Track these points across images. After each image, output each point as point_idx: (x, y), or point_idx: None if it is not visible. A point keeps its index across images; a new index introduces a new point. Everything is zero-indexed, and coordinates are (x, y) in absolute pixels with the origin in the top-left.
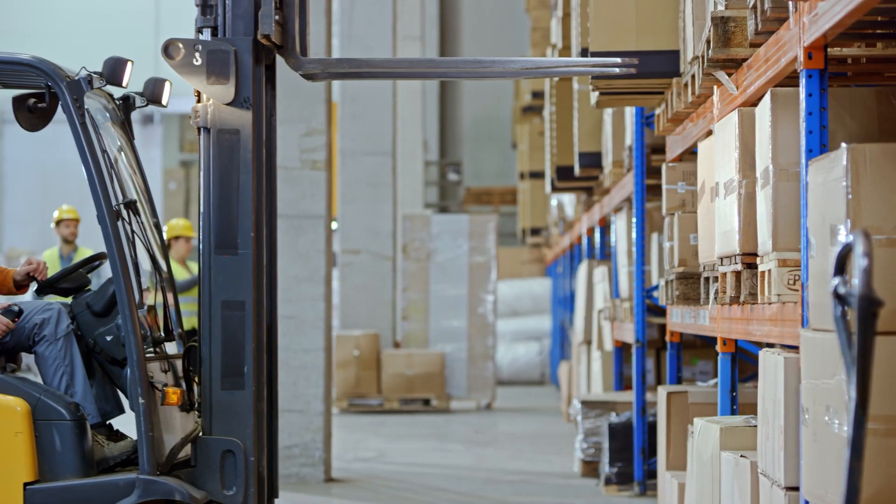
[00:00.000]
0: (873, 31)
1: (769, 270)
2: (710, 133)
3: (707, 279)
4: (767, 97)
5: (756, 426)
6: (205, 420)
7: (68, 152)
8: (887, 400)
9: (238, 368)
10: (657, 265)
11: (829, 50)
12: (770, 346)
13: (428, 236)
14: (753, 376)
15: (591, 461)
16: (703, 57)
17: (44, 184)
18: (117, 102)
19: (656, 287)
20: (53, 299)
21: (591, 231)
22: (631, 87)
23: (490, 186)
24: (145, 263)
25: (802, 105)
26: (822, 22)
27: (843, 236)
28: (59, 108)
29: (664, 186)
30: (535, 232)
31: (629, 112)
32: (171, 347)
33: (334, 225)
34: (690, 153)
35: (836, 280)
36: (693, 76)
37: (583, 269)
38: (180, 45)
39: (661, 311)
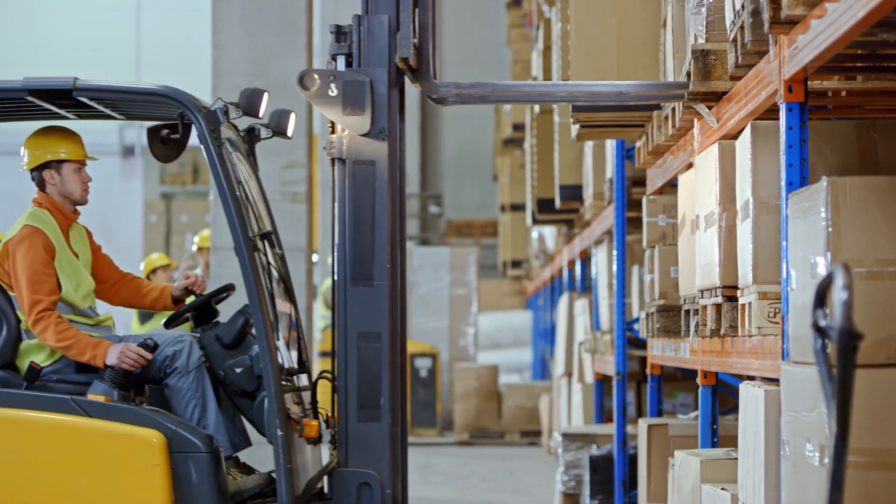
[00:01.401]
0: (853, 65)
1: (749, 303)
2: (690, 166)
3: (688, 312)
4: (748, 130)
5: (737, 459)
6: (340, 452)
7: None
8: (867, 433)
9: (374, 400)
10: (638, 298)
11: (809, 83)
12: (751, 378)
13: (409, 269)
14: (734, 409)
15: (572, 494)
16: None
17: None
18: (241, 134)
19: (637, 320)
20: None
21: (571, 263)
22: (611, 119)
23: (471, 219)
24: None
25: (783, 138)
26: (802, 55)
27: (824, 269)
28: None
29: (645, 219)
30: (516, 264)
31: (610, 145)
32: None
33: (315, 257)
34: (671, 186)
35: (817, 313)
36: (673, 109)
37: (563, 301)
38: (315, 76)
39: (642, 344)
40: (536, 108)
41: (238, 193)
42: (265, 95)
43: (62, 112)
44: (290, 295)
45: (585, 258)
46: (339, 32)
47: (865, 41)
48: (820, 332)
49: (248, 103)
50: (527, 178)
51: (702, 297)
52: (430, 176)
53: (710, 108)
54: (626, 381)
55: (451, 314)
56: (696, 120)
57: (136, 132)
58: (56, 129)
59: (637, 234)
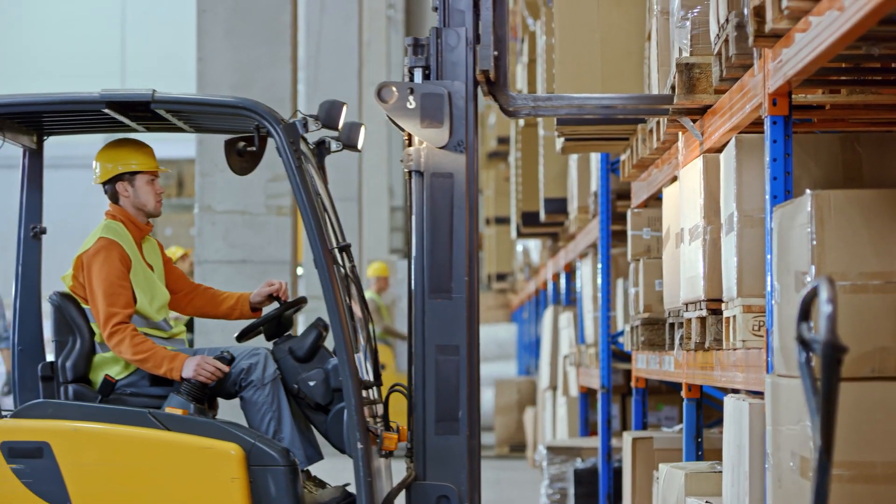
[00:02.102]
0: (837, 78)
1: (734, 316)
2: (675, 179)
3: (672, 325)
4: (732, 143)
5: (721, 472)
6: (418, 465)
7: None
8: (852, 446)
9: (453, 413)
10: (622, 311)
11: (793, 96)
12: (735, 391)
13: (394, 282)
14: (719, 422)
15: None
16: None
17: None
18: (311, 146)
19: (622, 333)
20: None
21: (556, 277)
22: (596, 133)
23: None
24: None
25: (767, 151)
26: (786, 69)
27: (808, 282)
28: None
29: (629, 232)
30: (501, 277)
31: (594, 158)
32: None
33: (300, 270)
34: (656, 199)
35: (801, 326)
36: (658, 122)
37: (548, 314)
38: (394, 89)
39: (627, 357)
40: (521, 120)
41: (317, 206)
42: (344, 108)
43: (133, 125)
44: (364, 307)
45: (570, 271)
46: (416, 45)
47: (849, 55)
48: (804, 345)
49: (328, 116)
50: (511, 191)
51: (686, 311)
52: None
53: (694, 121)
54: (610, 395)
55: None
56: (680, 133)
57: None
58: (127, 142)
59: (622, 247)
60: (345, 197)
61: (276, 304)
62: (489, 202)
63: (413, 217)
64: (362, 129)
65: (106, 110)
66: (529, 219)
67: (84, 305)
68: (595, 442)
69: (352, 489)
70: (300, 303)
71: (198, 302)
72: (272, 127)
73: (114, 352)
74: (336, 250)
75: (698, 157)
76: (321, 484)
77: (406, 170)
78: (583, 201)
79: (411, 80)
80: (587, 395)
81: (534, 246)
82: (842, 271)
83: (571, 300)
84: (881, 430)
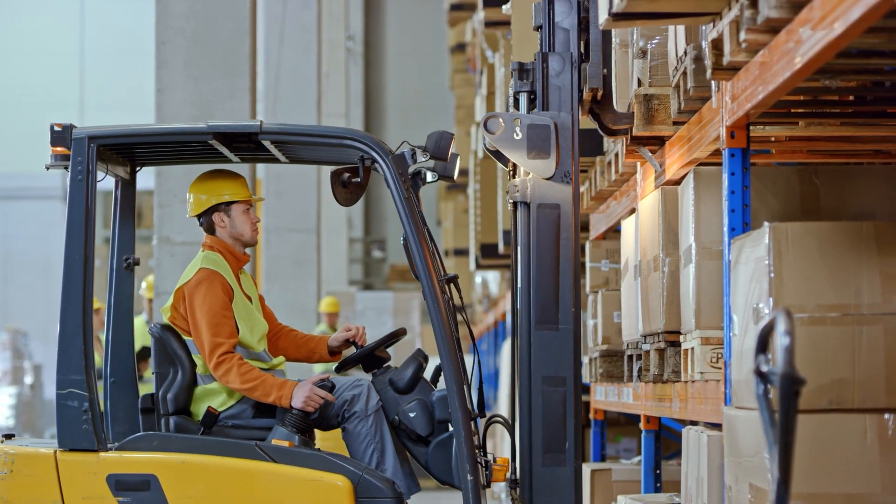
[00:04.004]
0: (796, 110)
1: (692, 348)
2: (633, 211)
3: (631, 357)
4: (690, 175)
5: None
6: (524, 496)
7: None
8: (810, 478)
9: (559, 444)
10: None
11: (751, 129)
12: (694, 423)
13: (353, 313)
14: (677, 454)
15: None
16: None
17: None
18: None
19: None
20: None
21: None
22: None
23: None
24: None
25: (725, 184)
26: (744, 101)
27: (766, 315)
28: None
29: (588, 264)
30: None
31: None
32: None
33: None
34: (614, 231)
35: (759, 358)
36: (616, 154)
37: (507, 346)
38: (501, 120)
39: (586, 389)
40: (480, 152)
41: (426, 237)
42: (453, 139)
43: (231, 155)
44: (471, 338)
45: None
46: (522, 70)
47: (807, 87)
48: (762, 377)
49: (437, 146)
50: (470, 223)
51: (645, 343)
52: (373, 221)
53: (653, 152)
54: None
55: (396, 359)
56: (639, 164)
57: None
58: (220, 172)
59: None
60: (303, 228)
61: (353, 349)
62: (448, 234)
63: (518, 248)
64: (458, 160)
65: (212, 142)
66: (488, 250)
67: (186, 337)
68: None
69: None
70: (399, 334)
71: (281, 343)
72: (381, 158)
73: (221, 382)
74: (443, 281)
75: (657, 189)
76: None
77: (511, 201)
78: None
79: (516, 105)
80: None
81: (493, 277)
82: (799, 303)
83: None
84: (839, 462)
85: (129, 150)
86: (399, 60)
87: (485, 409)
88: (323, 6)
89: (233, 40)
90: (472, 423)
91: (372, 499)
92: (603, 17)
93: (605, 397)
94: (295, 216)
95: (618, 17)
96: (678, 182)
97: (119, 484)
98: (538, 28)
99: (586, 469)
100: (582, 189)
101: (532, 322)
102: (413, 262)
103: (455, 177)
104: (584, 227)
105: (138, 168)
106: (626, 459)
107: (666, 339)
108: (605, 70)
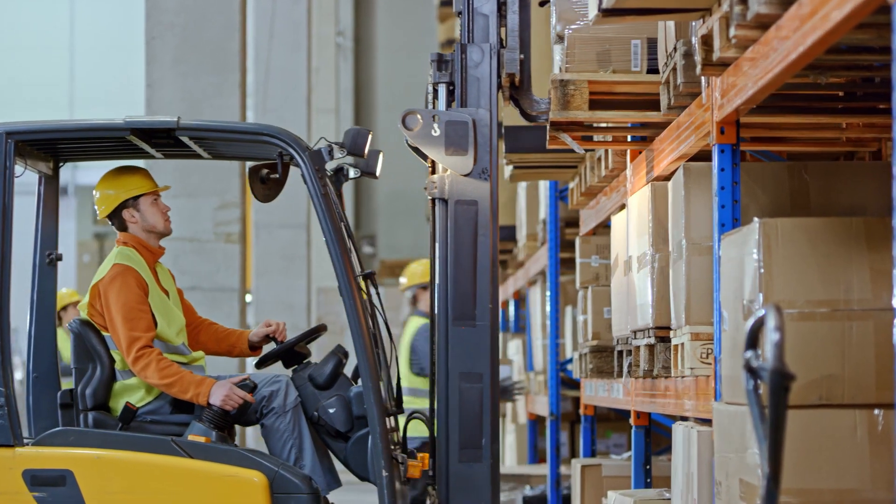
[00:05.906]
0: (786, 105)
1: (682, 344)
2: (623, 207)
3: (621, 353)
4: (680, 171)
5: (670, 499)
6: (441, 492)
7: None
8: (799, 473)
9: (476, 441)
10: (571, 338)
11: (741, 124)
12: (684, 419)
13: (343, 310)
14: (667, 449)
15: None
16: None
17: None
18: (329, 173)
19: (570, 360)
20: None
21: (505, 304)
22: (545, 161)
23: (405, 259)
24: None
25: (715, 179)
26: (734, 97)
27: (756, 310)
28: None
29: (578, 260)
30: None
31: (543, 186)
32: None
33: (248, 298)
34: (604, 227)
35: (749, 354)
36: (606, 150)
37: None
38: (419, 116)
39: (576, 385)
40: None
41: (343, 233)
42: (370, 136)
43: (153, 152)
44: (388, 334)
45: (519, 299)
46: (441, 61)
47: (797, 83)
48: (752, 373)
49: (354, 143)
50: None
51: (635, 338)
52: (363, 216)
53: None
54: (559, 422)
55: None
56: (628, 160)
57: (69, 172)
58: (122, 169)
59: (570, 274)
60: (293, 224)
61: (273, 344)
62: None
63: (437, 244)
64: (380, 157)
65: (130, 137)
66: None
67: (104, 333)
68: (544, 469)
69: None
70: (320, 330)
71: (202, 337)
72: (297, 154)
73: (139, 377)
74: (360, 277)
75: (646, 185)
76: None
77: (430, 197)
78: (531, 229)
79: (435, 95)
80: (536, 422)
81: None
82: (789, 299)
83: (520, 328)
84: (828, 458)
85: (50, 146)
86: (389, 56)
87: (402, 405)
88: (312, 2)
89: (222, 36)
90: (391, 418)
91: (288, 495)
92: (593, 13)
93: (595, 393)
94: (284, 212)
95: (608, 12)
96: (668, 178)
97: (35, 479)
98: (459, 13)
99: (576, 465)
100: (571, 185)
101: (449, 318)
102: (331, 258)
103: (378, 174)
104: (575, 223)
105: (61, 164)
106: (616, 455)
107: (656, 335)
108: (521, 55)
